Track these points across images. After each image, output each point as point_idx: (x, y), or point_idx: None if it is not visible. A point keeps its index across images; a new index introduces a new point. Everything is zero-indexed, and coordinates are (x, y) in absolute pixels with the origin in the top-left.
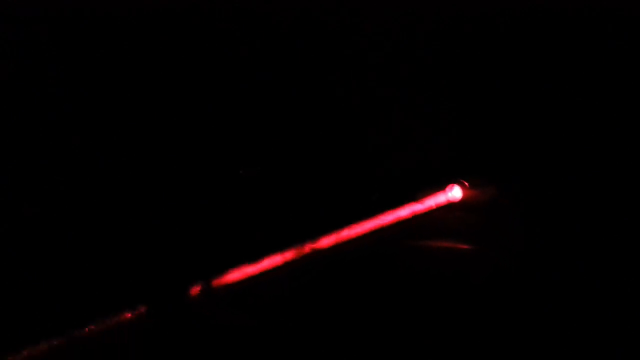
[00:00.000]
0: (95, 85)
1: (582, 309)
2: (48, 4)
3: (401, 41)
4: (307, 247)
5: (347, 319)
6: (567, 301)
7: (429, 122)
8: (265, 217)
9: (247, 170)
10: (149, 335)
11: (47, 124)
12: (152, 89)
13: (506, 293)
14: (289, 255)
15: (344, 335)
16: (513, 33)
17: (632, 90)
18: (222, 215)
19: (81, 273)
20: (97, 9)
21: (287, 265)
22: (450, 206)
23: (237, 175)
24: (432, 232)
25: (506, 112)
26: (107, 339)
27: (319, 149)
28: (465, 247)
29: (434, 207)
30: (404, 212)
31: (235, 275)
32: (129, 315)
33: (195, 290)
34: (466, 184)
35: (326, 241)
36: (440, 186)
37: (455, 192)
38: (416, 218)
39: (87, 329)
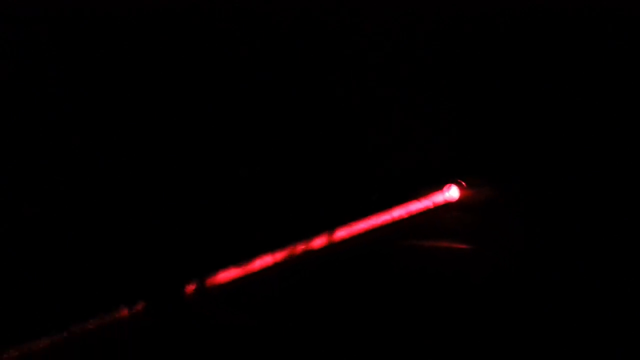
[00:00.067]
0: (96, 85)
1: (582, 309)
2: (48, 4)
3: (401, 41)
4: (304, 247)
5: (346, 319)
6: (566, 301)
7: (427, 122)
8: (265, 217)
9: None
10: (147, 332)
11: (47, 124)
12: (152, 89)
13: (505, 293)
14: (283, 254)
15: (344, 335)
16: (513, 33)
17: (632, 90)
18: (221, 215)
19: (81, 272)
20: (97, 9)
21: (283, 264)
22: (447, 206)
23: (237, 176)
24: (429, 232)
25: (505, 112)
26: (104, 336)
27: (319, 149)
28: (463, 247)
29: (432, 207)
30: (401, 211)
31: (233, 273)
32: (126, 312)
33: (191, 288)
34: (464, 183)
35: (322, 240)
36: (438, 186)
37: (452, 192)
38: (413, 218)
39: (84, 326)
